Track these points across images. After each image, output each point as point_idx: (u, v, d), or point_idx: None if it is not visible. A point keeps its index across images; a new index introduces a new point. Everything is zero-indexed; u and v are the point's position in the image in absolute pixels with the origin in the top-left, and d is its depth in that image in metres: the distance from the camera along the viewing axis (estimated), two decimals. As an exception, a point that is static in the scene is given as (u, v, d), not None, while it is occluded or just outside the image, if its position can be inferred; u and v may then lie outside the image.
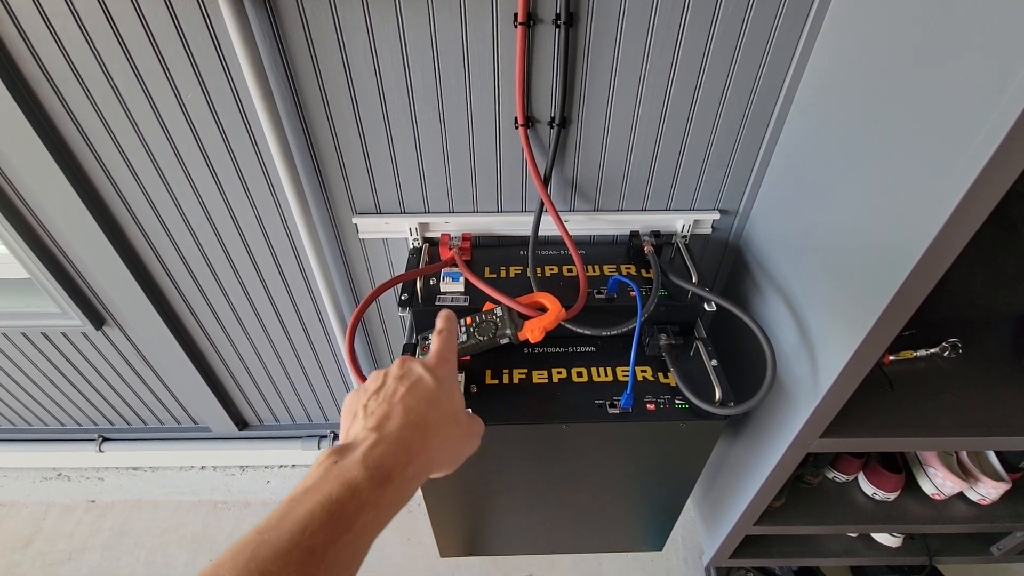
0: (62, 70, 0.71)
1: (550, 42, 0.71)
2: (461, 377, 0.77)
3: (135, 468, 1.48)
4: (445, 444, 0.36)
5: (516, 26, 0.69)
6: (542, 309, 0.75)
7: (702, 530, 1.23)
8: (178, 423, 1.32)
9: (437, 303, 0.80)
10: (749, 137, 0.82)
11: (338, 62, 0.72)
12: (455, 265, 0.84)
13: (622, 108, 0.78)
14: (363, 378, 0.69)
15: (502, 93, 0.76)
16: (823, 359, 0.71)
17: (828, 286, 0.70)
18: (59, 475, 1.50)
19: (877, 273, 0.59)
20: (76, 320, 1.02)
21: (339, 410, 1.28)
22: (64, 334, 1.07)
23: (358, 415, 0.36)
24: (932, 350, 0.87)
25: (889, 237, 0.58)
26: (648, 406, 0.74)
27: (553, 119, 0.78)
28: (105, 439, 1.33)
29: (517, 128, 0.78)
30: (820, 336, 0.72)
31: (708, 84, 0.76)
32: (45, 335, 1.08)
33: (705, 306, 0.80)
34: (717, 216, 0.91)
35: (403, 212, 0.89)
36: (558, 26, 0.69)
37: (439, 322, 0.45)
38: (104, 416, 1.29)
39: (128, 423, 1.32)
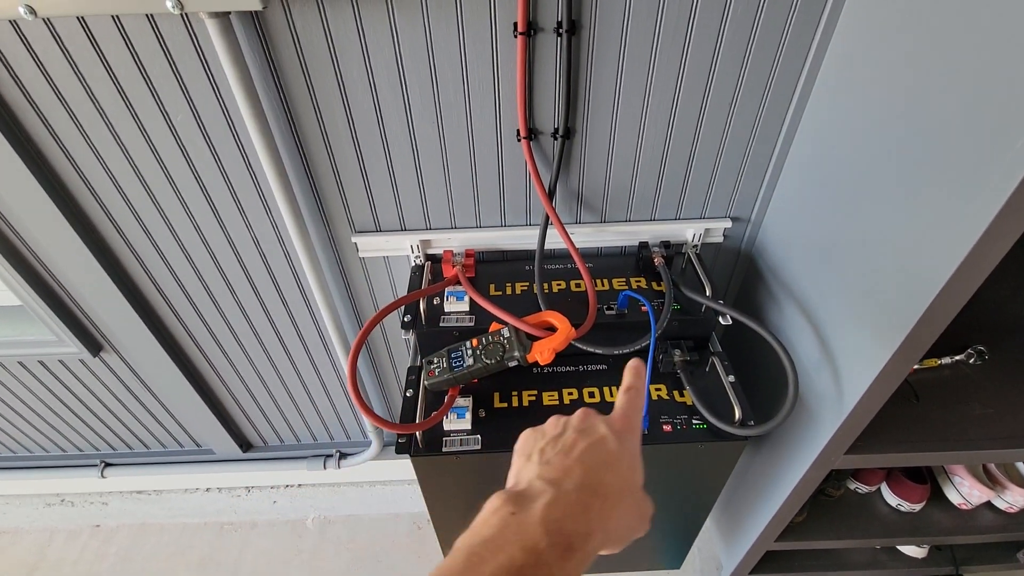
0: (46, 95, 0.69)
1: (552, 51, 0.68)
2: (468, 401, 0.74)
3: (139, 492, 1.46)
4: (622, 518, 0.32)
5: (516, 36, 0.66)
6: (551, 328, 0.72)
7: (720, 545, 1.20)
8: (181, 446, 1.30)
9: (441, 324, 0.77)
10: (761, 142, 0.79)
11: (332, 79, 0.69)
12: (459, 283, 0.81)
13: (628, 116, 0.75)
14: (367, 409, 0.66)
15: (503, 105, 0.73)
16: (847, 375, 0.67)
17: (850, 296, 0.67)
18: (62, 501, 1.47)
19: (907, 282, 0.56)
20: (73, 347, 0.99)
21: (344, 430, 1.27)
22: (61, 361, 1.05)
23: (532, 458, 0.33)
24: (957, 357, 0.84)
25: (920, 244, 0.55)
26: (664, 427, 0.71)
27: (557, 130, 0.75)
28: (107, 464, 1.30)
29: (519, 141, 0.75)
30: (843, 350, 0.69)
31: (718, 89, 0.73)
32: (42, 363, 1.05)
33: (720, 319, 0.77)
34: (729, 224, 0.88)
35: (404, 229, 0.86)
36: (560, 35, 0.66)
37: (628, 376, 0.40)
38: (105, 441, 1.27)
39: (130, 447, 1.29)
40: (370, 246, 0.87)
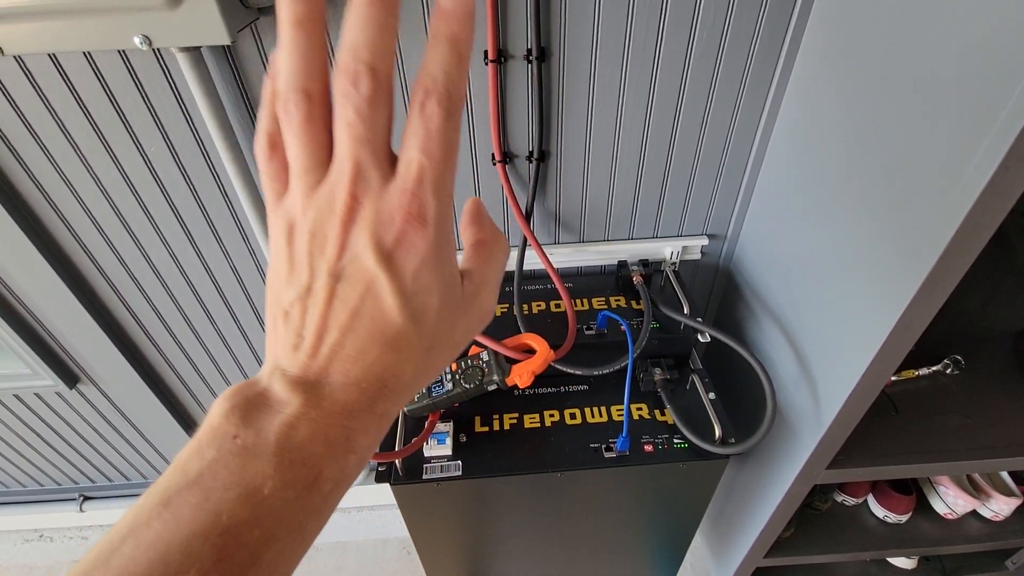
0: (17, 129, 0.68)
1: (523, 77, 0.69)
2: (449, 426, 0.73)
3: (120, 525, 1.43)
4: (429, 370, 0.22)
5: (487, 63, 0.67)
6: (530, 351, 0.72)
7: (711, 562, 1.19)
8: (162, 477, 1.27)
9: (421, 348, 0.77)
10: (733, 160, 0.80)
11: (305, 108, 0.69)
12: (438, 307, 0.81)
13: (601, 138, 0.76)
14: None
15: (477, 130, 0.74)
16: (824, 389, 0.68)
17: (824, 310, 0.68)
18: (40, 536, 1.43)
19: (877, 295, 0.57)
20: (48, 380, 0.97)
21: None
22: (37, 395, 1.03)
23: (279, 325, 0.20)
24: (934, 367, 0.85)
25: (886, 257, 0.55)
26: (646, 447, 0.71)
27: (531, 153, 0.76)
28: (86, 498, 1.27)
29: (495, 164, 0.76)
30: (820, 365, 0.69)
31: (688, 108, 0.74)
32: (17, 396, 1.03)
33: (699, 337, 0.77)
34: (706, 241, 0.89)
35: (383, 254, 0.86)
36: (530, 61, 0.67)
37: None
38: (84, 474, 1.24)
39: (110, 479, 1.27)
40: (349, 271, 0.87)
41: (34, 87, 0.65)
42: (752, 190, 0.83)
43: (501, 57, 0.67)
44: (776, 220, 0.79)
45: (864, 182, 0.59)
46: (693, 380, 0.78)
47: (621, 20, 0.65)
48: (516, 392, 0.79)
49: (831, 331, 0.66)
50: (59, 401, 1.05)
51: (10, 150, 0.70)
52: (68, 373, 0.99)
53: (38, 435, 1.12)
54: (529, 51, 0.67)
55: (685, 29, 0.67)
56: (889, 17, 0.54)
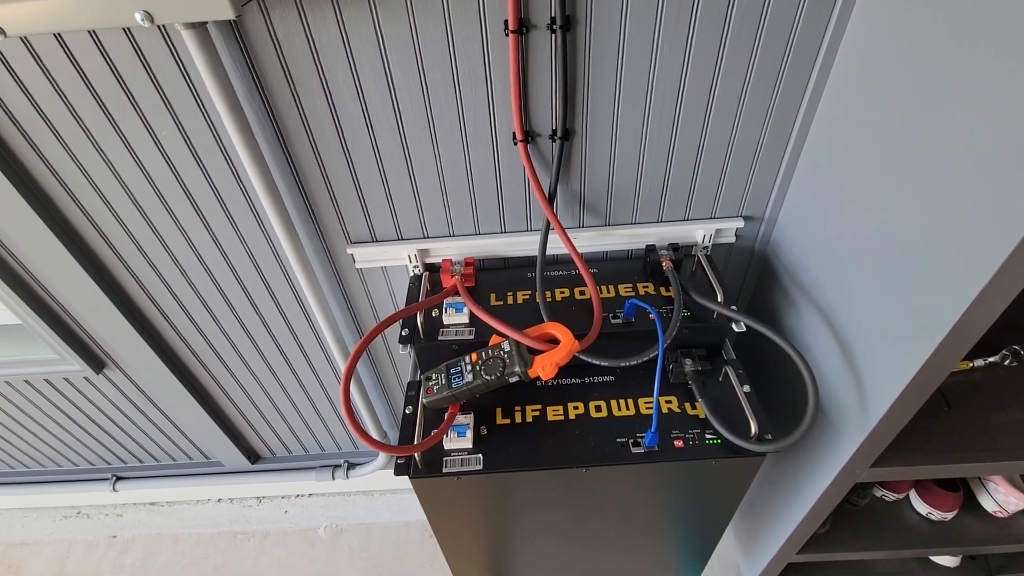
0: (28, 114, 0.67)
1: (546, 49, 0.64)
2: (469, 418, 0.71)
3: (152, 503, 1.47)
4: None
5: (507, 34, 0.62)
6: (553, 341, 0.69)
7: (740, 556, 1.15)
8: (190, 459, 1.30)
9: (440, 337, 0.74)
10: (773, 136, 0.74)
11: (317, 86, 0.66)
12: (458, 294, 0.78)
13: (630, 114, 0.71)
14: (362, 433, 0.63)
15: (497, 108, 0.69)
16: (873, 385, 0.63)
17: (876, 298, 0.62)
18: (78, 513, 1.49)
19: (944, 281, 0.51)
20: (76, 365, 0.99)
21: (352, 440, 1.25)
22: (66, 379, 1.05)
23: None
24: (991, 359, 0.79)
25: (958, 238, 0.50)
26: (676, 443, 0.68)
27: (555, 132, 0.72)
28: (119, 478, 1.31)
29: (516, 144, 0.72)
30: (868, 358, 0.64)
31: (725, 79, 0.68)
32: (48, 381, 1.05)
33: (733, 327, 0.72)
34: (741, 223, 0.83)
35: (400, 239, 0.84)
36: (553, 31, 0.63)
37: None
38: (115, 455, 1.27)
39: (140, 461, 1.30)
40: (367, 257, 0.84)
41: (42, 70, 0.63)
42: (794, 168, 0.77)
43: (523, 27, 0.62)
44: (821, 201, 0.73)
45: (931, 156, 0.53)
46: (726, 372, 0.74)
47: (654, -18, 0.60)
48: (539, 383, 0.76)
49: (884, 320, 0.61)
50: (87, 386, 1.07)
51: (23, 136, 0.69)
52: (94, 359, 1.00)
53: (70, 418, 1.15)
54: (553, 19, 0.62)
55: (725, -9, 0.61)
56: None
